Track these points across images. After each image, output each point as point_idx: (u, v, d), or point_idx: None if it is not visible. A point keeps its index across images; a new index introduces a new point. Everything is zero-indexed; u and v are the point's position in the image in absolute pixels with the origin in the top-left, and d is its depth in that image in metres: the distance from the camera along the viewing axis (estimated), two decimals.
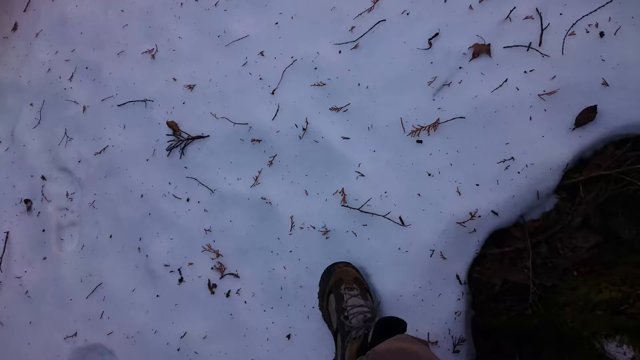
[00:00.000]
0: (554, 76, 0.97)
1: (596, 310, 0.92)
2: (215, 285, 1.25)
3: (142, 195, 1.43)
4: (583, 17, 0.97)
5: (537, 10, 1.02)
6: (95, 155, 1.57)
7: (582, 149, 0.93)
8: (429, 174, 1.06)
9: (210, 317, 1.23)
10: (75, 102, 1.69)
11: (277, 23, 1.37)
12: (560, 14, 1.00)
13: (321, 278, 1.09)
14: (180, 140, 1.40)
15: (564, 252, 0.95)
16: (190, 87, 1.46)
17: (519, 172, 0.97)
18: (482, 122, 1.03)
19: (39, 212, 1.62)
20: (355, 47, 1.24)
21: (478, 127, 1.03)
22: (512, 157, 0.98)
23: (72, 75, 1.74)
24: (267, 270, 1.19)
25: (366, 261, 1.08)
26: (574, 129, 0.93)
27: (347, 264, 1.07)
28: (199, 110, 1.41)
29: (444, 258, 1.01)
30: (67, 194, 1.61)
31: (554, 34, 1.00)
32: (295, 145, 1.24)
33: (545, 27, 1.00)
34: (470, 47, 1.08)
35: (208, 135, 1.37)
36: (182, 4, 1.58)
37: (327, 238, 1.14)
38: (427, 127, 1.08)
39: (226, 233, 1.27)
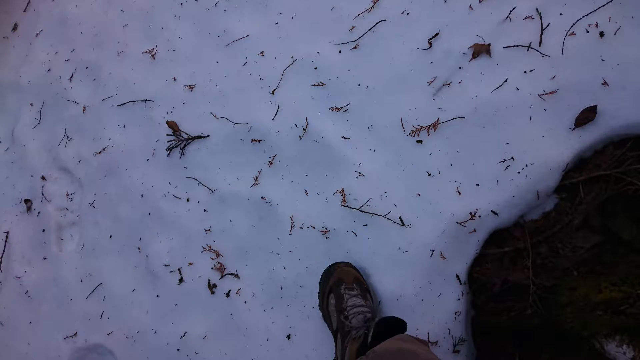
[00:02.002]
0: (554, 76, 0.97)
1: (596, 310, 0.92)
2: (215, 285, 1.25)
3: (142, 195, 1.43)
4: (583, 17, 0.97)
5: (537, 10, 1.02)
6: (95, 155, 1.57)
7: (582, 149, 0.93)
8: (429, 174, 1.06)
9: (210, 317, 1.23)
10: (75, 102, 1.69)
11: (277, 23, 1.37)
12: (560, 14, 1.00)
13: (321, 278, 1.09)
14: (180, 140, 1.40)
15: (564, 252, 0.95)
16: (190, 87, 1.46)
17: (519, 172, 0.97)
18: (482, 122, 1.03)
19: (39, 212, 1.62)
20: (355, 47, 1.24)
21: (478, 127, 1.03)
22: (512, 157, 0.98)
23: (72, 75, 1.74)
24: (267, 270, 1.19)
25: (366, 261, 1.09)
26: (574, 129, 0.93)
27: (347, 264, 1.07)
28: (199, 110, 1.41)
29: (444, 258, 1.01)
30: (67, 194, 1.61)
31: (554, 34, 1.00)
32: (295, 145, 1.24)
33: (545, 27, 1.00)
34: (470, 47, 1.08)
35: (208, 135, 1.37)
36: (182, 4, 1.58)
37: (327, 238, 1.14)
38: (427, 127, 1.08)
39: (226, 233, 1.27)
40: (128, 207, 1.44)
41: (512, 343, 1.01)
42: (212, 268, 1.26)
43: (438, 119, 1.08)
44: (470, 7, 1.11)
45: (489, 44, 1.06)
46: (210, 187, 1.33)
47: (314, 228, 1.16)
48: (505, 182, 0.98)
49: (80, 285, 1.45)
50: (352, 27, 1.26)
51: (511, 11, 1.05)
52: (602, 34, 0.94)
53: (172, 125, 1.44)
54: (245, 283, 1.21)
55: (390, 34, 1.20)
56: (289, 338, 1.13)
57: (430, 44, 1.13)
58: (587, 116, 0.92)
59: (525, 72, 1.01)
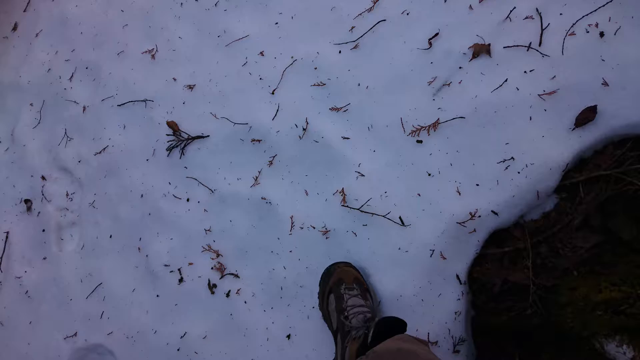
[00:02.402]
0: (554, 76, 0.97)
1: (596, 310, 0.92)
2: (215, 285, 1.25)
3: (142, 195, 1.43)
4: (583, 17, 0.97)
5: (537, 10, 1.02)
6: (95, 155, 1.57)
7: (582, 149, 0.93)
8: (429, 174, 1.06)
9: (210, 317, 1.23)
10: (75, 102, 1.69)
11: (277, 23, 1.37)
12: (560, 14, 1.00)
13: (321, 278, 1.09)
14: (180, 140, 1.40)
15: (564, 252, 0.95)
16: (190, 87, 1.46)
17: (519, 172, 0.97)
18: (482, 122, 1.03)
19: (39, 212, 1.62)
20: (355, 47, 1.24)
21: (478, 127, 1.03)
22: (512, 157, 0.98)
23: (72, 75, 1.74)
24: (267, 270, 1.19)
25: (366, 261, 1.08)
26: (574, 129, 0.93)
27: (347, 264, 1.07)
28: (199, 110, 1.41)
29: (444, 258, 1.01)
30: (67, 194, 1.61)
31: (554, 34, 1.00)
32: (295, 145, 1.24)
33: (545, 27, 1.00)
34: (470, 47, 1.08)
35: (208, 135, 1.37)
36: (182, 4, 1.58)
37: (327, 238, 1.14)
38: (427, 127, 1.08)
39: (226, 233, 1.27)
40: (128, 207, 1.44)
41: (512, 343, 1.01)
42: (212, 268, 1.26)
43: (438, 119, 1.08)
44: (470, 7, 1.11)
45: (489, 44, 1.06)
46: (210, 187, 1.33)
47: (314, 228, 1.16)
48: (505, 182, 0.98)
49: (80, 285, 1.45)
50: (352, 27, 1.26)
51: (511, 11, 1.05)
52: (602, 34, 0.94)
53: (172, 125, 1.44)
54: (245, 283, 1.21)
55: (390, 34, 1.20)
56: (289, 338, 1.13)
57: (430, 44, 1.13)
58: (587, 116, 0.92)
59: (525, 72, 1.01)
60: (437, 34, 1.13)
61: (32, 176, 1.69)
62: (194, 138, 1.38)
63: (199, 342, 1.22)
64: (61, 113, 1.71)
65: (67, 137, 1.65)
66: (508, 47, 1.04)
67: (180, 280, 1.29)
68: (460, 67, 1.08)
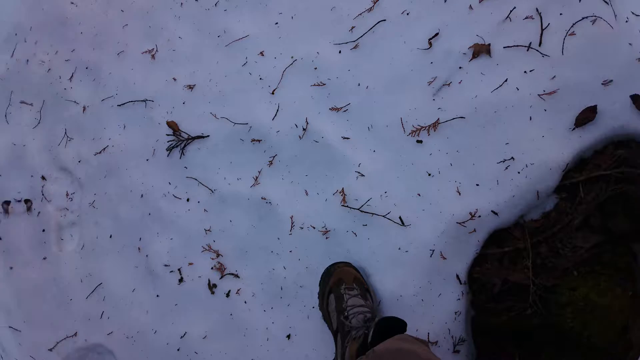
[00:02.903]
0: (554, 76, 0.97)
1: (596, 310, 0.92)
2: (215, 285, 1.25)
3: (142, 195, 1.43)
4: (583, 17, 0.97)
5: (537, 10, 1.02)
6: (95, 155, 1.57)
7: (582, 149, 0.93)
8: (429, 174, 1.06)
9: (210, 317, 1.23)
10: (75, 102, 1.69)
11: (277, 23, 1.37)
12: (560, 14, 1.00)
13: (321, 278, 1.09)
14: (180, 140, 1.40)
15: (564, 252, 0.95)
16: (190, 87, 1.46)
17: (519, 172, 0.97)
18: (482, 122, 1.03)
19: (39, 212, 1.62)
20: (355, 47, 1.24)
21: (478, 127, 1.03)
22: (512, 157, 0.98)
23: (72, 75, 1.74)
24: (267, 270, 1.19)
25: (366, 261, 1.08)
26: (574, 129, 0.93)
27: (347, 264, 1.07)
28: (199, 110, 1.41)
29: (444, 258, 1.01)
30: (67, 194, 1.61)
31: (554, 34, 1.00)
32: (295, 145, 1.24)
33: (545, 27, 1.00)
34: (470, 47, 1.08)
35: (208, 135, 1.37)
36: (182, 4, 1.58)
37: (327, 238, 1.14)
38: (427, 127, 1.08)
39: (226, 233, 1.27)
40: (128, 207, 1.44)
41: (512, 343, 1.01)
42: (212, 268, 1.26)
43: (438, 119, 1.08)
44: (470, 7, 1.11)
45: (489, 44, 1.06)
46: (210, 187, 1.33)
47: (314, 228, 1.16)
48: (505, 182, 0.98)
49: (80, 285, 1.45)
50: (352, 27, 1.26)
51: (511, 11, 1.05)
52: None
53: (172, 125, 1.44)
54: (245, 283, 1.21)
55: (390, 34, 1.20)
56: (289, 338, 1.13)
57: (430, 44, 1.13)
58: (587, 116, 0.92)
59: (525, 72, 1.01)
60: (437, 34, 1.13)
61: (32, 176, 1.69)
62: (194, 138, 1.38)
63: (199, 342, 1.22)
64: (61, 113, 1.70)
65: (67, 137, 1.65)
66: (508, 47, 1.04)
67: (180, 280, 1.29)
68: (460, 67, 1.08)
